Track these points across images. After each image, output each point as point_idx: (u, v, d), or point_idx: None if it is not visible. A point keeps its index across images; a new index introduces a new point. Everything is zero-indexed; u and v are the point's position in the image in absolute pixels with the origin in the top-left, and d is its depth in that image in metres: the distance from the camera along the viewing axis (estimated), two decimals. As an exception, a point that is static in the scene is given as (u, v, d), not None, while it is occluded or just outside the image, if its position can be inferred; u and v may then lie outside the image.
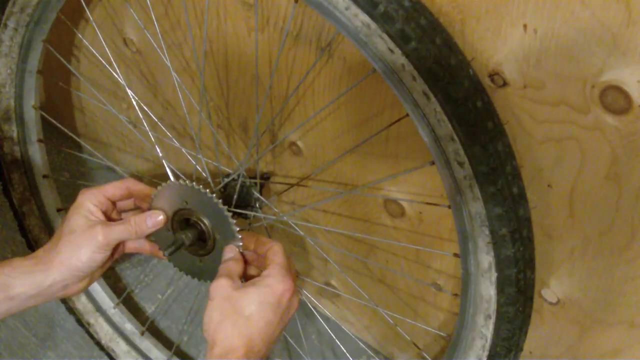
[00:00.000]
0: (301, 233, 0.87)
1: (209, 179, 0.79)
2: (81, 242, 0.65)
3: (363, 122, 0.74)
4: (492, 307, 0.63)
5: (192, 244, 0.70)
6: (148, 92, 1.04)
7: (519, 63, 0.56)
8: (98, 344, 1.05)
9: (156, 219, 0.69)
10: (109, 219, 0.69)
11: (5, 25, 0.83)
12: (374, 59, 0.55)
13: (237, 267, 0.65)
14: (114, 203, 0.70)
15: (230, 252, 0.68)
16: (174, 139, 0.91)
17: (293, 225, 0.91)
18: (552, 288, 0.70)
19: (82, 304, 1.04)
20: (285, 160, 0.89)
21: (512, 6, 0.53)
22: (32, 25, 0.84)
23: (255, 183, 0.79)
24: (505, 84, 0.58)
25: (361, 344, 1.01)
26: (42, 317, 1.08)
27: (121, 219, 0.71)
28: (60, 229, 0.67)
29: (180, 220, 0.71)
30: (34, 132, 0.96)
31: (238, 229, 0.68)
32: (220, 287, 0.61)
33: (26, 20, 0.83)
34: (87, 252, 0.65)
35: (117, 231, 0.66)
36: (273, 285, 0.61)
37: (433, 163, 0.59)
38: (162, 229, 0.70)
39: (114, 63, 0.90)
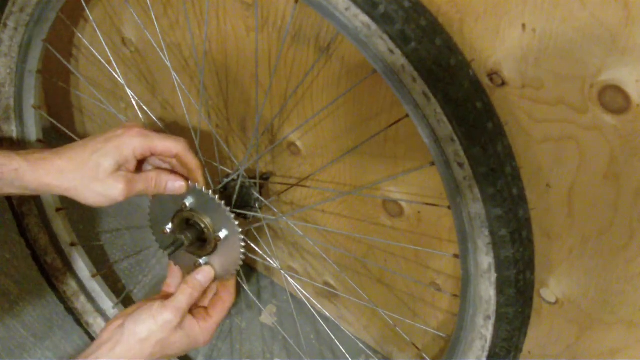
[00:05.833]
0: (300, 233, 0.87)
1: (209, 179, 0.79)
2: (99, 187, 0.64)
3: (362, 122, 0.74)
4: (492, 308, 0.63)
5: (192, 244, 0.70)
6: (147, 91, 1.04)
7: (517, 63, 0.56)
8: (97, 344, 1.04)
9: (175, 184, 0.69)
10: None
11: (5, 25, 0.83)
12: (374, 59, 0.55)
13: (191, 301, 0.68)
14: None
15: (199, 280, 0.70)
16: (173, 139, 0.91)
17: (292, 225, 0.92)
18: (551, 288, 0.70)
19: (81, 304, 1.04)
20: (285, 160, 0.89)
21: (510, 6, 0.53)
22: (32, 25, 0.84)
23: (255, 183, 0.79)
24: (504, 83, 0.58)
25: (360, 344, 1.01)
26: (40, 317, 1.08)
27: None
28: (86, 147, 0.64)
29: (180, 221, 0.71)
30: (33, 132, 0.95)
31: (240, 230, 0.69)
32: (166, 324, 0.65)
33: (26, 20, 0.83)
34: (100, 199, 0.64)
35: (137, 189, 0.66)
36: (199, 338, 0.68)
37: (433, 164, 0.59)
38: (161, 232, 0.72)
39: (113, 62, 0.90)
